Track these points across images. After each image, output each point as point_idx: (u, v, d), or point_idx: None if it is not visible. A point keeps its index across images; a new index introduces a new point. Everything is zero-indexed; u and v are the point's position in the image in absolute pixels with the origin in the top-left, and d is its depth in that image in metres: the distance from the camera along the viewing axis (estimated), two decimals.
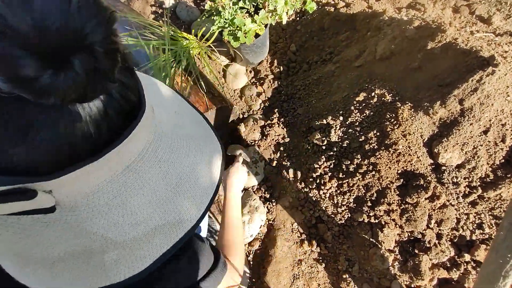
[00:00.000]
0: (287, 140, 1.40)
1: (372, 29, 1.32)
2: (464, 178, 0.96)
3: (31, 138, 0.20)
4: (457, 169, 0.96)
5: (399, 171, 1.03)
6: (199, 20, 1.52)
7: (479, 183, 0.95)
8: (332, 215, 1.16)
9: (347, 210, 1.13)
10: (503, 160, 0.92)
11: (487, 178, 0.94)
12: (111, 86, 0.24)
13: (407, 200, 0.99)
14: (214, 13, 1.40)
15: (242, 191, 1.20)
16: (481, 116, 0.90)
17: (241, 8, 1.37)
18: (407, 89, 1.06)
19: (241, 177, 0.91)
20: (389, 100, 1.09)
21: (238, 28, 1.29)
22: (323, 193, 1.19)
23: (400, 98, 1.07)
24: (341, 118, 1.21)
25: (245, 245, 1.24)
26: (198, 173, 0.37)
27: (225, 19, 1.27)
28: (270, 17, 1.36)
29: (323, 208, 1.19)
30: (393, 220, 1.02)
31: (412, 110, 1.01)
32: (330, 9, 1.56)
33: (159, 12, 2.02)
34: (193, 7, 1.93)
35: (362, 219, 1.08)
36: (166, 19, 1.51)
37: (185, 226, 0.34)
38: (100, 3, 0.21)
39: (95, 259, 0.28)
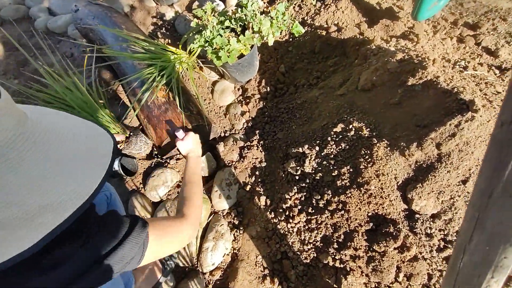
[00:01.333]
0: (264, 164, 1.35)
1: (359, 57, 1.26)
2: (439, 230, 0.86)
3: None
4: (431, 219, 0.87)
5: (369, 214, 0.95)
6: (185, 36, 1.52)
7: (455, 237, 0.85)
8: (298, 252, 1.08)
9: (314, 249, 1.05)
10: None
11: None
12: None
13: (374, 247, 0.90)
14: (200, 29, 1.40)
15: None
16: (460, 164, 0.82)
17: (227, 27, 1.35)
18: (385, 125, 0.99)
19: (197, 144, 1.04)
20: (366, 135, 1.02)
21: (220, 48, 1.27)
22: (291, 227, 1.11)
23: (377, 134, 0.99)
24: (317, 148, 1.14)
25: (205, 273, 1.17)
26: (82, 155, 0.40)
27: (206, 37, 1.25)
28: (256, 38, 1.34)
29: (290, 243, 1.11)
30: (359, 267, 0.93)
31: (388, 148, 0.94)
32: (322, 32, 1.52)
33: (159, 24, 2.05)
34: (191, 21, 1.95)
35: (327, 261, 0.99)
36: (163, 31, 1.52)
37: (72, 204, 0.36)
38: None
39: None
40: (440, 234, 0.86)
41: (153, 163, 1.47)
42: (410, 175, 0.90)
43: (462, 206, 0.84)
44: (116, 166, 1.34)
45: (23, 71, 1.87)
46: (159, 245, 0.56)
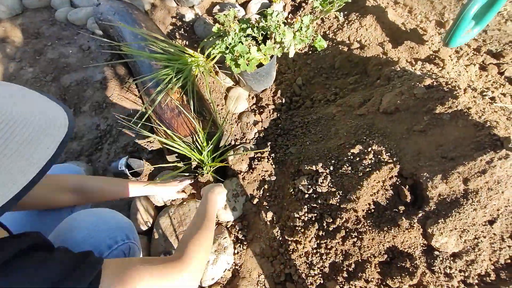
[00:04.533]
0: (273, 178, 1.30)
1: (382, 78, 1.22)
2: (460, 271, 0.81)
3: None
4: (452, 258, 0.82)
5: (384, 245, 0.90)
6: (205, 40, 1.50)
7: (476, 281, 0.79)
8: (303, 276, 1.03)
9: (321, 275, 0.99)
10: (509, 260, 0.77)
11: (487, 278, 0.78)
12: None
13: (388, 282, 0.85)
14: (221, 35, 1.37)
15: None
16: (488, 203, 0.77)
17: (249, 35, 1.33)
18: (407, 152, 0.94)
19: (223, 196, 1.05)
20: (386, 160, 0.97)
21: (239, 55, 1.24)
22: (298, 248, 1.06)
23: (398, 160, 0.95)
24: (331, 168, 1.10)
25: None
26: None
27: (228, 44, 1.23)
28: (277, 49, 1.31)
29: (296, 265, 1.06)
30: None
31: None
32: (344, 48, 1.49)
33: (178, 25, 2.04)
34: (211, 25, 1.93)
35: None
36: (182, 32, 1.50)
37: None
38: None
39: None
40: (461, 276, 0.80)
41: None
42: (432, 208, 0.85)
43: (486, 248, 0.79)
44: (123, 166, 1.31)
45: (39, 59, 1.87)
46: None
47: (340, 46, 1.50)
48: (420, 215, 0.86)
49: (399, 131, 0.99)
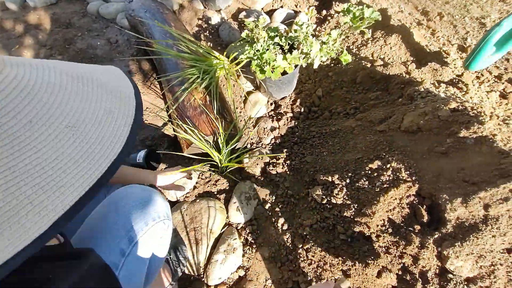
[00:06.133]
0: (287, 185, 1.31)
1: (404, 96, 1.24)
2: None
3: None
4: (466, 283, 0.81)
5: (398, 262, 0.90)
6: (233, 44, 1.54)
7: None
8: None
9: None
10: None
11: None
12: None
13: None
14: (249, 41, 1.41)
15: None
16: (508, 231, 0.77)
17: (276, 43, 1.36)
18: (427, 172, 0.95)
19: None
20: (404, 178, 0.98)
21: (266, 62, 1.27)
22: (308, 257, 1.07)
23: (417, 180, 0.96)
24: (348, 180, 1.11)
25: (210, 286, 1.13)
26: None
27: (256, 51, 1.26)
28: (302, 59, 1.34)
29: (305, 273, 1.06)
30: None
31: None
32: (367, 64, 1.51)
33: (203, 27, 2.10)
34: (236, 29, 1.98)
35: None
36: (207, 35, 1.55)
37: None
38: None
39: None
40: None
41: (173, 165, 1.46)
42: (449, 231, 0.85)
43: (502, 276, 0.79)
44: (142, 158, 1.34)
45: (68, 48, 1.94)
46: None
47: (363, 61, 1.52)
48: (436, 236, 0.86)
49: (420, 150, 1.00)
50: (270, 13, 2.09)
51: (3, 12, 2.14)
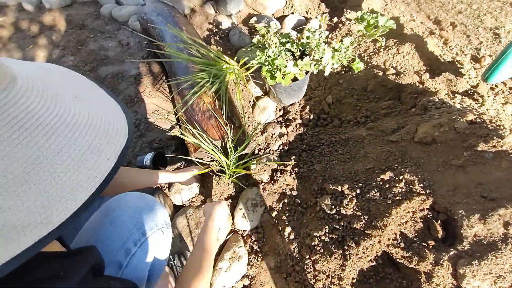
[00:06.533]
0: (294, 193, 1.29)
1: (418, 107, 1.21)
2: None
3: None
4: None
5: (410, 279, 0.86)
6: (243, 49, 1.53)
7: None
8: None
9: None
10: None
11: None
12: None
13: None
14: (260, 47, 1.41)
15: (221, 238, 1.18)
16: None
17: (287, 50, 1.35)
18: (442, 186, 0.92)
19: (226, 223, 0.99)
20: (418, 190, 0.95)
21: (277, 68, 1.26)
22: (315, 269, 1.04)
23: (431, 193, 0.92)
24: (358, 191, 1.08)
25: None
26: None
27: (267, 56, 1.25)
28: (313, 66, 1.33)
29: (312, 286, 1.03)
30: None
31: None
32: (379, 72, 1.49)
33: (214, 31, 2.11)
34: (246, 35, 1.98)
35: None
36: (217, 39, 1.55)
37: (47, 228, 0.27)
38: None
39: None
40: None
41: (182, 165, 1.46)
42: (465, 248, 0.81)
43: None
44: (149, 161, 1.34)
45: (80, 49, 1.96)
46: None
47: (374, 70, 1.50)
48: (451, 253, 0.83)
49: (435, 163, 0.97)
50: (281, 19, 2.10)
51: (19, 13, 2.19)
